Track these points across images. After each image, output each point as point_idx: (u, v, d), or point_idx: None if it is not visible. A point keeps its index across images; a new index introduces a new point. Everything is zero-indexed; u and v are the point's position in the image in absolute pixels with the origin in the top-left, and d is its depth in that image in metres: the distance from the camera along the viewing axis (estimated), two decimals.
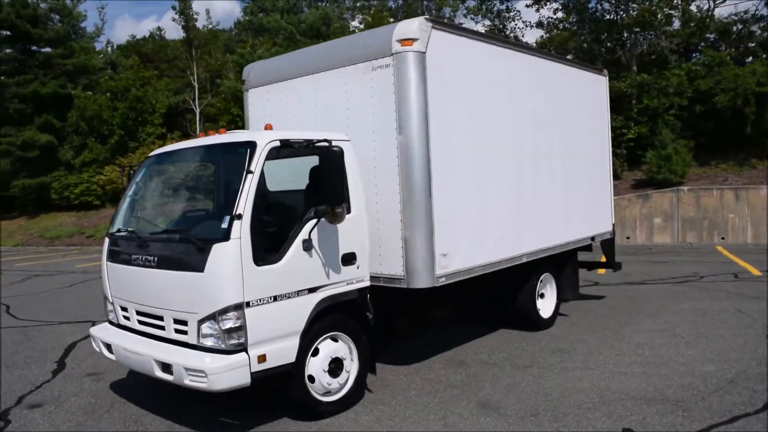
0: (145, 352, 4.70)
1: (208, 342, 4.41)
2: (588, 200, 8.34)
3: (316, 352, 4.93)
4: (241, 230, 4.36)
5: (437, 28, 5.62)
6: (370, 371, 5.36)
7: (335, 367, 5.02)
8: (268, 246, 4.61)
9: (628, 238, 17.52)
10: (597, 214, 8.62)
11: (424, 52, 5.45)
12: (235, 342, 4.37)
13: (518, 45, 7.51)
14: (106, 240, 5.46)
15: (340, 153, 4.58)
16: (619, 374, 5.79)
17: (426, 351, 6.79)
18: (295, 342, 4.66)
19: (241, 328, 4.36)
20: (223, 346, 4.36)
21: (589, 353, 6.57)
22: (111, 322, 5.44)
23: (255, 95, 6.88)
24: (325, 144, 4.64)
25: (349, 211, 5.15)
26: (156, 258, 4.80)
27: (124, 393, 5.78)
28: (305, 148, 4.87)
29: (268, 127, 4.95)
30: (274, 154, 4.73)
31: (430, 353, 6.73)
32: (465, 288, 6.41)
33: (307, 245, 4.73)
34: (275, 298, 4.54)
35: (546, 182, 7.32)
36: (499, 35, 22.36)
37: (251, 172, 4.51)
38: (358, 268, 5.18)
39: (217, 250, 4.34)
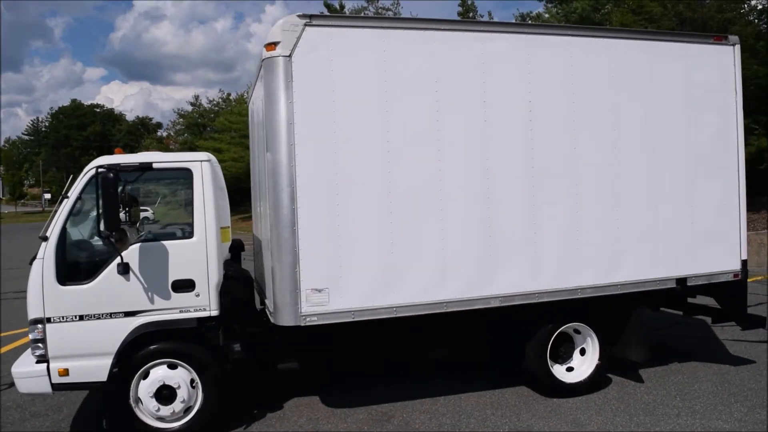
0: None
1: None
2: (670, 226, 5.89)
3: (147, 375, 4.92)
4: (46, 251, 4.68)
5: (315, 25, 4.84)
6: (220, 408, 5.04)
7: (168, 394, 4.90)
8: (79, 267, 4.81)
9: None
10: (696, 246, 6.00)
11: (289, 56, 4.80)
12: (39, 353, 4.70)
13: (498, 23, 5.74)
14: None
15: (113, 179, 4.44)
16: None
17: (383, 397, 5.86)
18: (105, 362, 4.72)
19: (43, 341, 4.67)
20: (33, 355, 4.79)
21: None
22: None
23: None
24: (99, 170, 4.55)
25: (191, 236, 4.96)
26: None
27: None
28: (136, 170, 4.88)
29: (118, 152, 5.10)
30: (113, 178, 4.77)
31: (378, 400, 5.79)
32: (432, 328, 5.47)
33: (123, 269, 4.72)
34: (81, 317, 4.70)
35: (555, 205, 5.48)
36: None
37: (67, 197, 4.78)
38: (197, 296, 4.90)
39: (32, 267, 4.76)
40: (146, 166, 4.87)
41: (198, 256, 4.91)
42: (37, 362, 4.73)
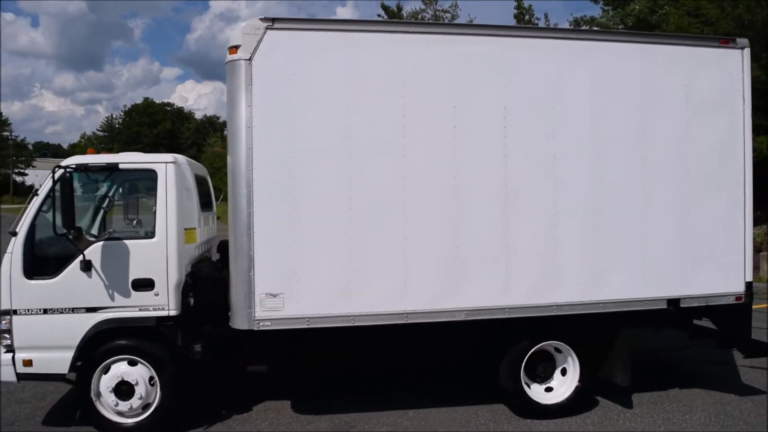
0: None
1: None
2: (663, 243, 5.51)
3: (108, 371, 5.03)
4: (14, 246, 4.87)
5: (276, 28, 4.83)
6: (179, 406, 5.12)
7: (127, 389, 4.99)
8: (45, 262, 4.97)
9: None
10: (692, 265, 5.58)
11: (249, 59, 4.80)
12: (6, 343, 4.90)
13: (471, 26, 5.45)
14: None
15: (69, 179, 4.55)
16: None
17: (355, 406, 5.78)
18: (67, 355, 4.86)
19: (9, 332, 4.87)
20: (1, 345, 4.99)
21: None
22: None
23: None
24: (57, 170, 4.68)
25: (152, 236, 5.04)
26: None
27: None
28: (102, 170, 5.03)
29: (90, 151, 5.25)
30: (69, 178, 4.80)
31: (348, 409, 5.71)
32: (400, 339, 5.30)
33: (86, 266, 4.85)
34: (45, 311, 4.87)
35: (530, 217, 5.24)
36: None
37: (36, 195, 4.96)
38: (157, 295, 4.97)
39: (2, 261, 4.96)
40: (112, 167, 5.00)
41: (158, 256, 4.99)
42: (5, 352, 4.94)
